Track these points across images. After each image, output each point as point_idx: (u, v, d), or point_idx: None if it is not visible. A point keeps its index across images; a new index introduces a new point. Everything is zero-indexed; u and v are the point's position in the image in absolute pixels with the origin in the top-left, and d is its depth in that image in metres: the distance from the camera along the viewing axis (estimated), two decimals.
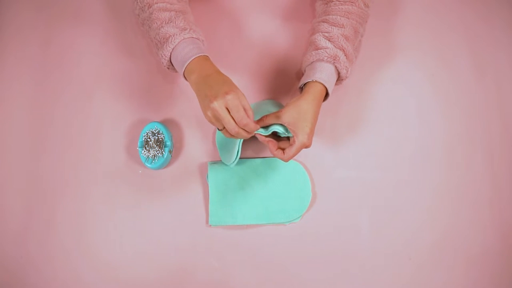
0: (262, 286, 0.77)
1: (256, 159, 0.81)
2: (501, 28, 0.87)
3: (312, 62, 0.73)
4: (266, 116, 0.70)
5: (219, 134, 0.81)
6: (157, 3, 0.73)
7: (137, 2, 0.75)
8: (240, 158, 0.81)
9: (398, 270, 0.77)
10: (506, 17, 0.87)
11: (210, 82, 0.65)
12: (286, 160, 0.69)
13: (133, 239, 0.79)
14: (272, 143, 0.70)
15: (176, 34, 0.70)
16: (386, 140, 0.82)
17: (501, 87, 0.84)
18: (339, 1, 0.74)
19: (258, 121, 0.71)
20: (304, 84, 0.72)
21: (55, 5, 0.91)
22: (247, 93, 0.83)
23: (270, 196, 0.79)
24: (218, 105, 0.62)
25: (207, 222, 0.79)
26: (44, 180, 0.82)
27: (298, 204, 0.78)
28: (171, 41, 0.70)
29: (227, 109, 0.63)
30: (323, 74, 0.70)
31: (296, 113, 0.67)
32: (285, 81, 0.84)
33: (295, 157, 0.80)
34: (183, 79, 0.72)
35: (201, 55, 0.69)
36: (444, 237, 0.78)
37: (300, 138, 0.67)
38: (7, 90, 0.87)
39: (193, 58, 0.68)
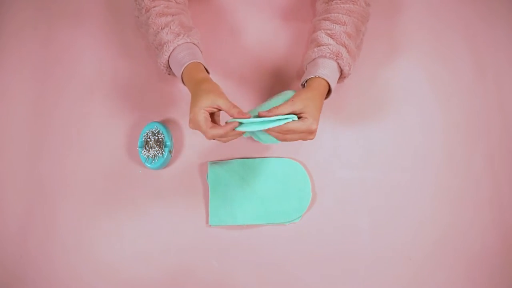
0: (262, 286, 0.77)
1: (256, 159, 0.81)
2: (501, 28, 0.87)
3: (314, 59, 0.72)
4: (278, 106, 0.65)
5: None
6: (154, 7, 0.73)
7: (136, 5, 0.76)
8: (240, 158, 0.81)
9: (398, 270, 0.77)
10: (506, 17, 0.87)
11: (192, 98, 0.66)
12: (285, 130, 0.64)
13: (133, 239, 0.79)
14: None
15: (170, 42, 0.71)
16: (386, 140, 0.82)
17: (501, 87, 0.84)
18: (340, 0, 0.74)
19: (270, 110, 0.65)
20: (306, 81, 0.71)
21: (55, 4, 0.91)
22: (246, 91, 0.83)
23: (270, 196, 0.79)
24: (190, 126, 0.66)
25: (207, 222, 0.79)
26: (44, 180, 0.82)
27: (298, 204, 0.78)
28: (166, 49, 0.71)
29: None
30: (326, 70, 0.70)
31: (306, 100, 0.66)
32: (285, 80, 0.84)
33: (294, 157, 0.80)
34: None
35: (191, 63, 0.70)
36: (444, 237, 0.78)
37: (310, 120, 0.64)
38: (7, 89, 0.87)
39: (184, 67, 0.69)
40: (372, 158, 0.81)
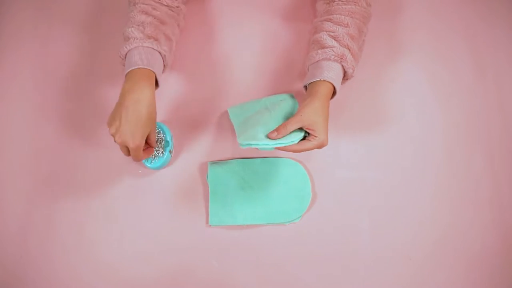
0: (262, 286, 0.77)
1: (256, 159, 0.81)
2: (501, 28, 0.87)
3: (318, 61, 0.72)
4: (288, 122, 0.66)
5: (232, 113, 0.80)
6: (141, 3, 0.72)
7: None
8: (240, 158, 0.81)
9: (398, 270, 0.77)
10: (506, 17, 0.87)
11: (120, 104, 0.67)
12: (298, 151, 0.67)
13: (133, 239, 0.79)
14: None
15: (137, 39, 0.69)
16: (386, 140, 0.82)
17: (501, 87, 0.84)
18: (342, 1, 0.74)
19: (279, 129, 0.66)
20: (310, 83, 0.71)
21: (55, 4, 0.91)
22: (246, 91, 0.83)
23: (270, 196, 0.79)
24: (118, 142, 0.67)
25: (207, 222, 0.79)
26: (44, 180, 0.82)
27: (298, 204, 0.78)
28: (128, 43, 0.69)
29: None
30: (331, 73, 0.70)
31: (314, 114, 0.66)
32: (285, 79, 0.84)
33: (294, 157, 0.80)
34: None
35: (140, 68, 0.68)
36: (444, 237, 0.78)
37: (321, 137, 0.66)
38: (7, 89, 0.87)
39: (134, 67, 0.68)
40: (372, 158, 0.81)
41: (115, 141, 0.67)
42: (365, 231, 0.78)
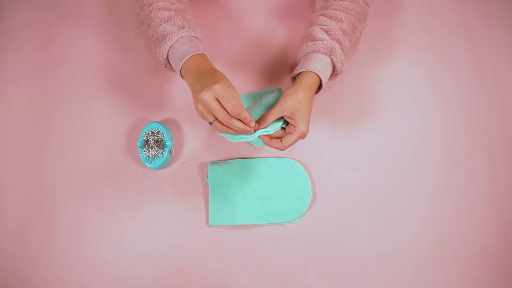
0: (262, 286, 0.77)
1: (256, 159, 0.81)
2: (501, 28, 0.87)
3: (307, 53, 0.72)
4: (268, 113, 0.67)
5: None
6: (156, 2, 0.73)
7: (137, 1, 0.75)
8: (240, 158, 0.81)
9: (398, 270, 0.77)
10: (506, 17, 0.87)
11: (203, 78, 0.64)
12: (284, 149, 0.68)
13: (133, 239, 0.79)
14: (263, 135, 0.69)
15: (174, 32, 0.70)
16: (386, 140, 0.82)
17: (501, 87, 0.84)
18: None
19: (260, 121, 0.67)
20: (298, 74, 0.71)
21: (55, 5, 0.91)
22: (246, 89, 0.83)
23: (270, 196, 0.79)
24: (207, 95, 0.60)
25: (207, 222, 0.79)
26: (44, 180, 0.82)
27: (298, 204, 0.78)
28: (168, 39, 0.70)
29: (217, 99, 0.61)
30: (318, 65, 0.70)
31: (295, 103, 0.67)
32: (283, 77, 0.84)
33: (294, 157, 0.80)
34: (182, 78, 0.72)
35: (197, 53, 0.69)
36: (444, 237, 0.78)
37: (301, 127, 0.66)
38: (6, 89, 0.87)
39: (189, 56, 0.68)
40: (372, 158, 0.81)
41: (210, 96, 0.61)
42: (365, 231, 0.78)
